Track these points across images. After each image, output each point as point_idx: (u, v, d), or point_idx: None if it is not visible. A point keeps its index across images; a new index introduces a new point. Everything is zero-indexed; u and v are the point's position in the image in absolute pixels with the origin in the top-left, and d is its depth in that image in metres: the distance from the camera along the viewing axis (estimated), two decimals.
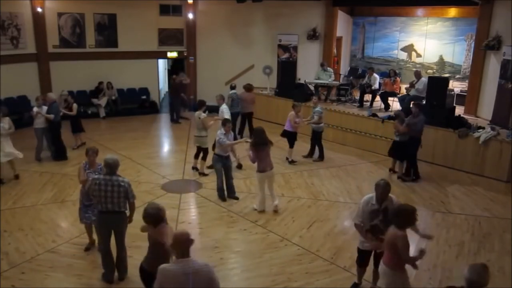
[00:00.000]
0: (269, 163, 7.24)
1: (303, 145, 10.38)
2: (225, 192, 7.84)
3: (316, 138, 10.06)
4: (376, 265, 4.96)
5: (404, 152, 8.93)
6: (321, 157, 10.10)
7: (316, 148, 10.19)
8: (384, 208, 4.66)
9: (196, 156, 9.15)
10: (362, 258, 5.06)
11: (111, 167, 4.99)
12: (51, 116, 9.53)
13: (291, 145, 9.83)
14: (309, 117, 10.07)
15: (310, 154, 10.21)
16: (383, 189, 4.62)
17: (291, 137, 9.78)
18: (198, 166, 9.14)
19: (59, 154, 9.81)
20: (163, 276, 3.31)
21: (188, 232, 3.47)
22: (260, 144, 7.11)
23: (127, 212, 5.27)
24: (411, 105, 9.23)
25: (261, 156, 7.13)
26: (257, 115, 13.33)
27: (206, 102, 9.54)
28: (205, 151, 9.00)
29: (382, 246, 4.70)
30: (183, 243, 3.34)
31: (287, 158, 9.89)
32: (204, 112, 9.00)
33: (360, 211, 4.78)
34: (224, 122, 7.88)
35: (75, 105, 10.53)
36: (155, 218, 4.08)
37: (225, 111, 9.40)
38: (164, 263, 3.51)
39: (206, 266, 3.40)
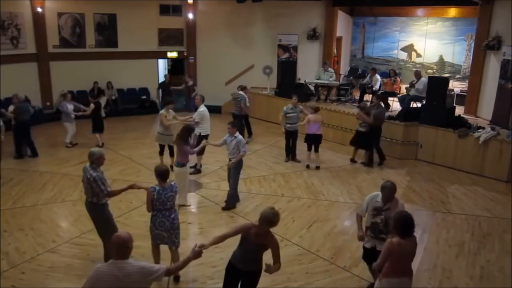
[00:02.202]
0: (177, 158, 7.38)
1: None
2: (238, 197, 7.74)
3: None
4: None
5: (368, 141, 9.69)
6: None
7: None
8: (386, 209, 4.71)
9: (161, 153, 9.22)
10: (365, 256, 5.07)
11: (88, 157, 5.31)
12: (11, 115, 9.58)
13: (316, 149, 9.67)
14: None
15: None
16: (389, 190, 4.69)
17: (314, 139, 9.57)
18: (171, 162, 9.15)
19: (19, 153, 9.85)
20: (95, 276, 3.27)
21: (129, 236, 3.36)
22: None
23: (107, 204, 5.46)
24: (373, 98, 10.24)
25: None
26: (257, 115, 13.38)
27: (206, 102, 9.47)
28: (171, 148, 9.06)
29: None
30: (120, 245, 3.29)
31: (317, 166, 9.68)
32: (170, 110, 9.07)
33: (364, 205, 4.93)
34: (230, 123, 7.54)
35: (91, 105, 10.52)
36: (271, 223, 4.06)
37: (200, 114, 9.08)
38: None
39: (142, 268, 3.28)
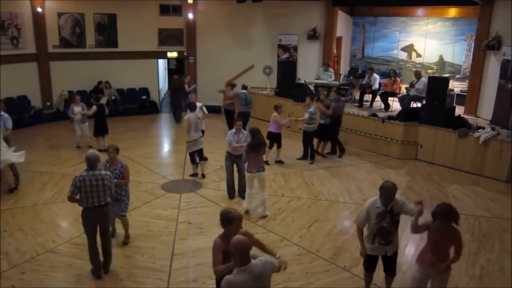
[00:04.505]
0: (256, 164, 7.01)
1: (295, 146, 10.37)
2: (235, 190, 7.86)
3: (307, 138, 9.97)
4: (387, 270, 4.86)
5: (327, 133, 10.16)
6: (312, 158, 10.02)
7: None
8: (390, 209, 4.55)
9: (194, 162, 8.86)
10: (369, 263, 4.87)
11: (91, 162, 5.09)
12: None
13: (280, 145, 9.83)
14: (302, 117, 9.93)
15: (305, 156, 10.10)
16: (391, 190, 4.49)
17: (278, 138, 9.76)
18: (199, 170, 8.97)
19: None
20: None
21: (245, 239, 3.32)
22: (257, 145, 6.99)
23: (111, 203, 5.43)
24: (332, 94, 10.73)
25: (250, 157, 7.02)
26: (257, 115, 13.37)
27: (205, 102, 9.51)
28: (201, 151, 8.87)
29: (389, 250, 4.70)
30: (242, 250, 3.21)
31: (276, 161, 9.85)
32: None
33: (364, 215, 4.64)
34: (235, 120, 7.84)
35: (94, 107, 10.30)
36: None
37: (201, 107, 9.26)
38: None
39: (266, 263, 3.29)
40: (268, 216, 7.21)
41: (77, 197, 5.09)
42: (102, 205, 5.15)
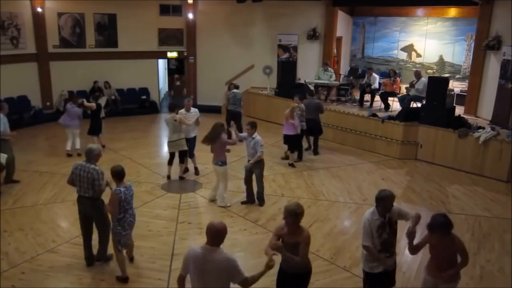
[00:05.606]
0: (215, 157, 7.34)
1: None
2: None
3: (299, 138, 9.97)
4: (388, 284, 4.59)
5: (308, 129, 10.18)
6: (299, 157, 10.03)
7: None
8: (389, 220, 4.37)
9: (170, 162, 8.75)
10: (375, 284, 4.52)
11: (86, 154, 5.41)
12: None
13: (293, 149, 9.75)
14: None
15: (299, 156, 10.07)
16: (390, 199, 4.31)
17: (293, 139, 9.59)
18: (178, 172, 8.85)
19: None
20: (187, 255, 3.52)
21: (224, 225, 3.53)
22: (206, 138, 7.27)
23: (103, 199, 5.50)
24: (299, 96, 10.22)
25: (211, 149, 7.32)
26: (257, 115, 13.38)
27: (205, 102, 9.46)
28: (184, 153, 8.70)
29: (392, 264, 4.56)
30: (215, 233, 3.47)
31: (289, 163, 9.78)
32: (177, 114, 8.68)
33: (368, 231, 4.31)
34: (249, 123, 7.52)
35: (93, 104, 10.31)
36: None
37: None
38: None
39: (227, 260, 3.44)
40: (268, 216, 7.21)
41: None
42: (87, 197, 5.37)
